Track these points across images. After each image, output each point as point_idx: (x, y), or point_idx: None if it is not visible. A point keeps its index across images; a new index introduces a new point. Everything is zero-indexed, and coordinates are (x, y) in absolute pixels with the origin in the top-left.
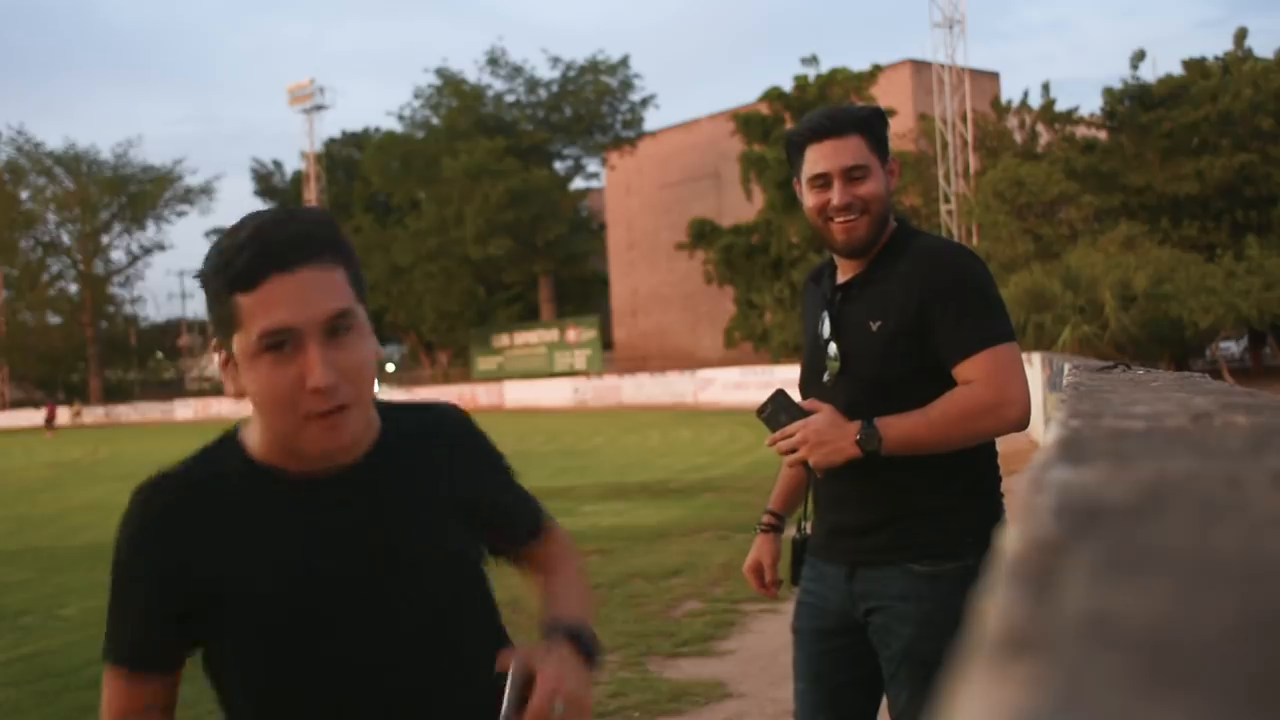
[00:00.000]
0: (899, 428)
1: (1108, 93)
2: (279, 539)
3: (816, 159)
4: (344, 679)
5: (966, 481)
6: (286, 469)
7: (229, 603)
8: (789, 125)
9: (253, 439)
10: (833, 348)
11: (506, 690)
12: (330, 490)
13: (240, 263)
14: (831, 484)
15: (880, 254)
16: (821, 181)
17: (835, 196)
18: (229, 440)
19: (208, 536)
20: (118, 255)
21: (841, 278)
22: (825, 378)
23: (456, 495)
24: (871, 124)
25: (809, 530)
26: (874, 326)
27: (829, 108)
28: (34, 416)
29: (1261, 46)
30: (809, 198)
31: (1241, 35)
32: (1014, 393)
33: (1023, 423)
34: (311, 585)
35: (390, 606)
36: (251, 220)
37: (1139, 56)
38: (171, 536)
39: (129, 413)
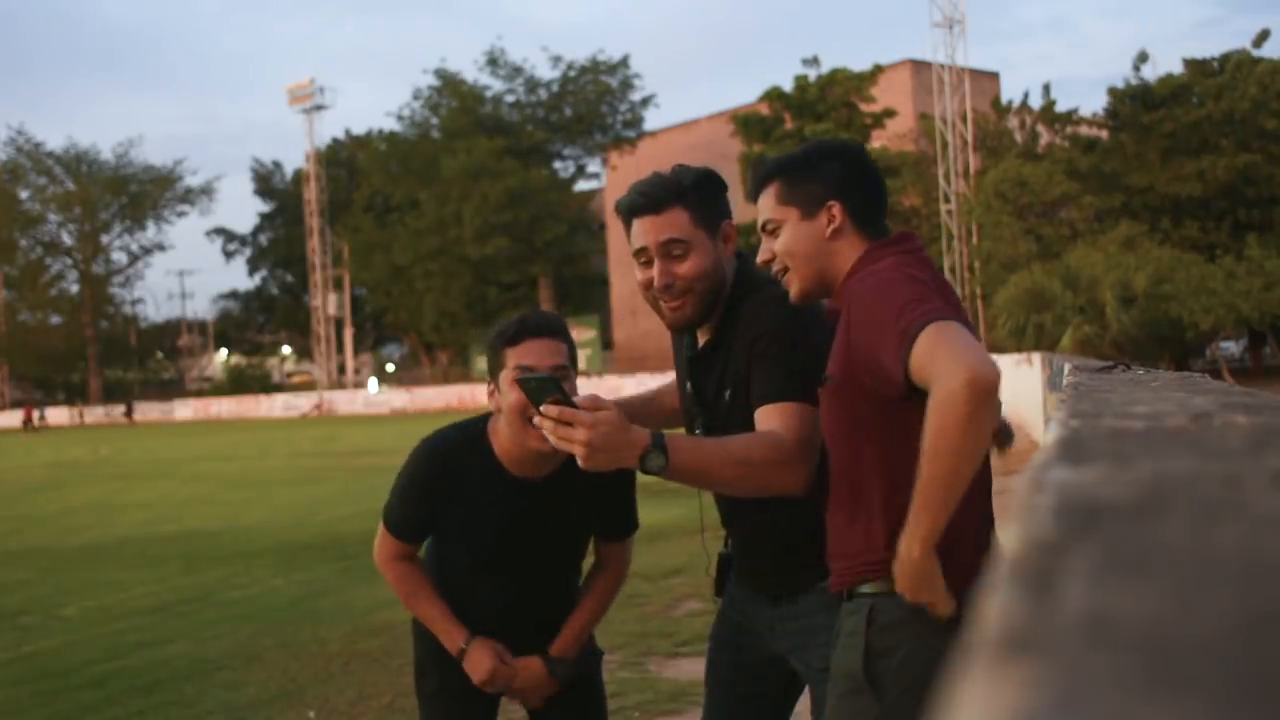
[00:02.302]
0: (691, 458)
1: (1112, 92)
2: (497, 505)
3: (636, 234)
4: (502, 587)
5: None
6: (510, 470)
7: (461, 523)
8: (789, 125)
9: (497, 442)
10: (699, 418)
11: None
12: (527, 488)
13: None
14: (735, 529)
15: (723, 318)
16: (644, 258)
17: (656, 277)
18: (482, 431)
19: (459, 484)
20: (118, 255)
21: (701, 338)
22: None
23: (597, 497)
24: (694, 192)
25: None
26: (725, 396)
27: (650, 180)
28: (15, 418)
29: (1262, 46)
30: (637, 273)
31: (1262, 36)
32: (808, 456)
33: (799, 491)
34: (505, 534)
35: (543, 557)
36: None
37: (1142, 58)
38: (441, 475)
39: (124, 412)
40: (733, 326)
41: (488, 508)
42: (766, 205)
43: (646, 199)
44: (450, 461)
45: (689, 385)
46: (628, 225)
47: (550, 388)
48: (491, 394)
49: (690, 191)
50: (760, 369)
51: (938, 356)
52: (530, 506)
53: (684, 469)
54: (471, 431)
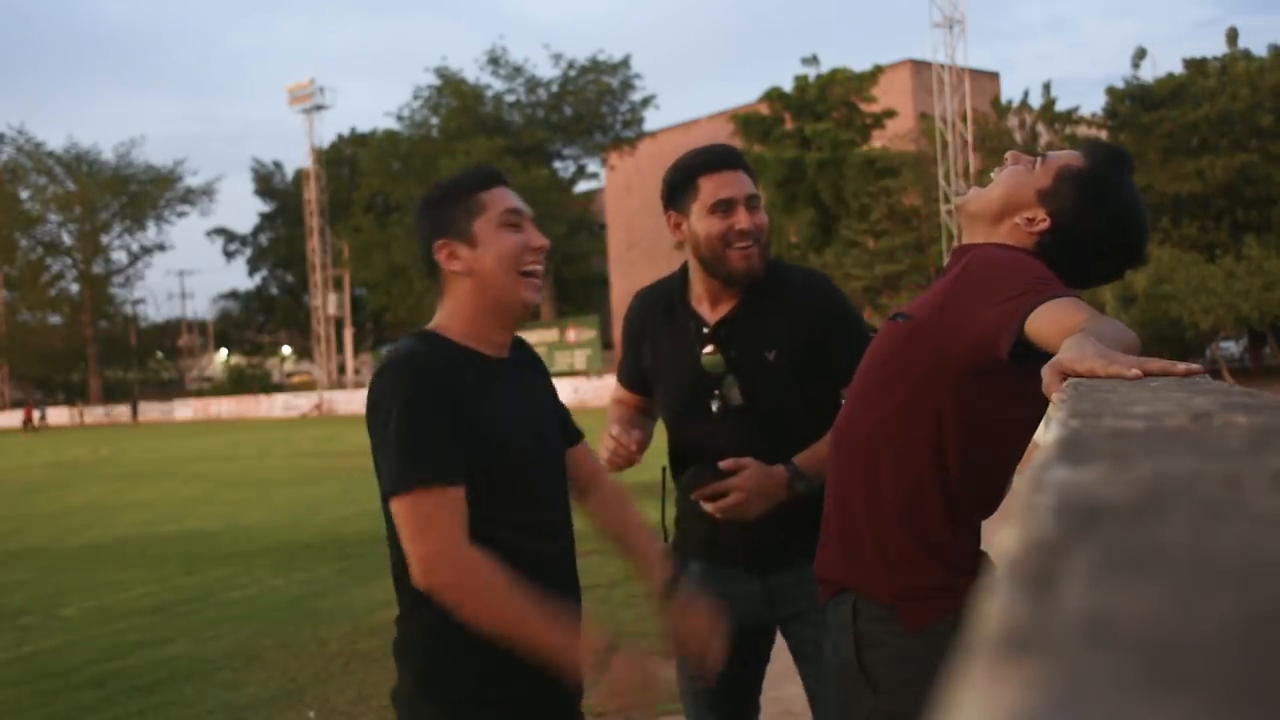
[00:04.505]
0: (818, 467)
1: (1110, 92)
2: (496, 393)
3: (719, 186)
4: (554, 538)
5: None
6: (483, 351)
7: (479, 433)
8: (789, 125)
9: (454, 331)
10: (731, 381)
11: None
12: (507, 369)
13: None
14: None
15: (751, 286)
16: (724, 208)
17: (741, 221)
18: (430, 334)
19: (454, 389)
20: (118, 255)
21: (710, 310)
22: (715, 408)
23: (543, 377)
24: (750, 167)
25: (671, 539)
26: (770, 357)
27: (716, 145)
28: (14, 418)
29: (1257, 45)
30: (710, 224)
31: (1233, 35)
32: None
33: None
34: (521, 426)
35: (557, 468)
36: None
37: (1140, 55)
38: (439, 386)
39: (128, 412)
40: (767, 293)
41: (491, 400)
42: (1061, 154)
43: (732, 156)
44: (434, 364)
45: (708, 356)
46: (689, 184)
47: (706, 478)
48: (452, 255)
49: (748, 165)
50: (850, 345)
51: (1095, 315)
52: (515, 387)
53: (813, 475)
54: (424, 338)
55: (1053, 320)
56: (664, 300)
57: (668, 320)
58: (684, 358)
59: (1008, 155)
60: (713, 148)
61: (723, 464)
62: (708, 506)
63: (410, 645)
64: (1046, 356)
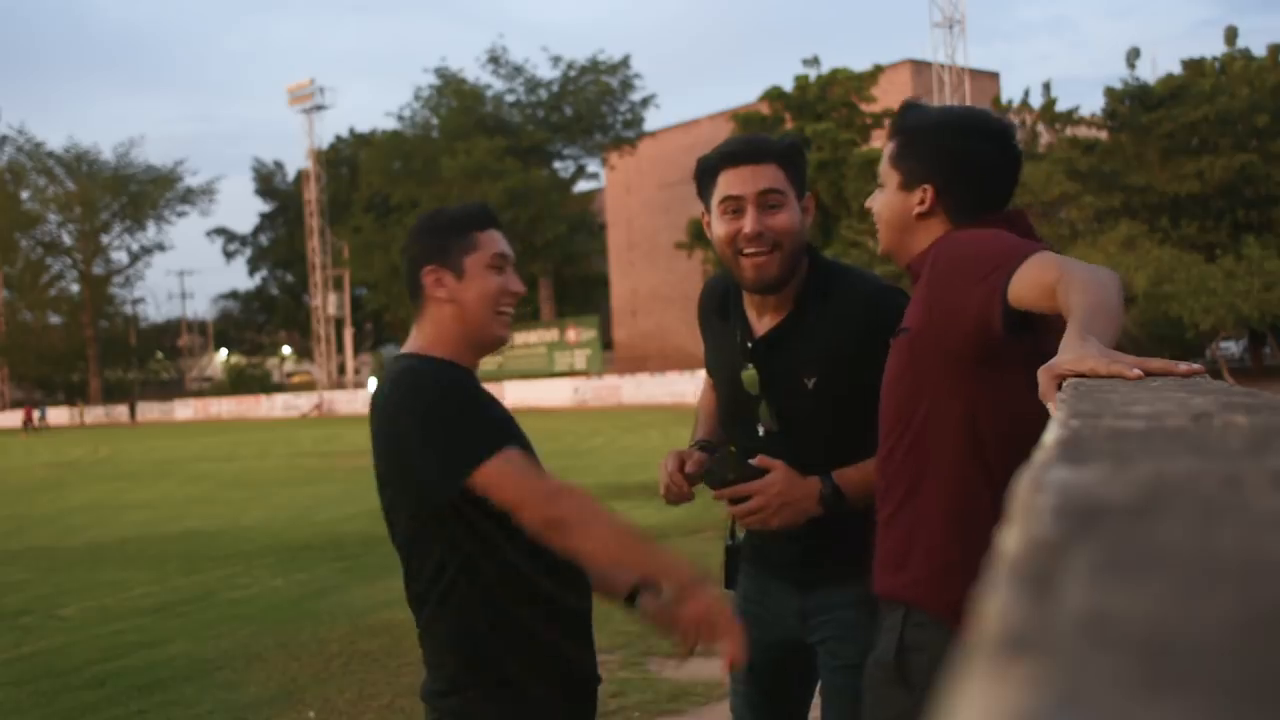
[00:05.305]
0: (855, 483)
1: (1109, 92)
2: (501, 407)
3: (730, 182)
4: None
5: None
6: (470, 365)
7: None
8: (789, 125)
9: (445, 350)
10: (765, 407)
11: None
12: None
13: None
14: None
15: (802, 296)
16: (734, 207)
17: (747, 224)
18: (422, 358)
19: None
20: (118, 255)
21: (758, 320)
22: (760, 431)
23: None
24: (790, 156)
25: (741, 537)
26: (809, 384)
27: (744, 136)
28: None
29: (1256, 45)
30: (719, 225)
31: (1231, 35)
32: None
33: None
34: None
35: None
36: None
37: (1134, 54)
38: (477, 391)
39: (128, 412)
40: (818, 307)
41: (503, 413)
42: (884, 158)
43: (748, 148)
44: (448, 376)
45: (745, 373)
46: (710, 180)
47: (728, 465)
48: (439, 281)
49: (786, 154)
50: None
51: (1064, 266)
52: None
53: (855, 497)
54: (419, 359)
55: (1031, 282)
56: (722, 296)
57: (720, 319)
58: (728, 367)
59: (866, 205)
60: (739, 137)
61: (756, 461)
62: (729, 510)
63: (438, 647)
64: (1043, 319)
